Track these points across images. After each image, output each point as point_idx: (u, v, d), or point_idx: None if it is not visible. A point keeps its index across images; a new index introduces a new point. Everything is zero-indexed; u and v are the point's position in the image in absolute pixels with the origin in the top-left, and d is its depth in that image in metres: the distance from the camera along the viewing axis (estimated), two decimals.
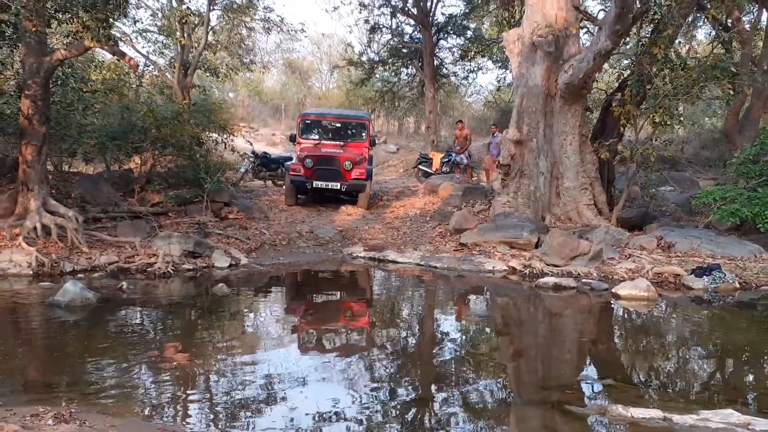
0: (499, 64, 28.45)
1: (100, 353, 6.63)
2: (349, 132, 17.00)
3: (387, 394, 5.85)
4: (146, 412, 5.16)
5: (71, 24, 10.86)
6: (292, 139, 17.08)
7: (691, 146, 26.45)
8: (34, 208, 10.86)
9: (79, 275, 9.91)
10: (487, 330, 8.83)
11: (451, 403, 5.74)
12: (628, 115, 14.27)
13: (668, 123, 14.17)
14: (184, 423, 5.00)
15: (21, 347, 6.94)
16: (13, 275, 9.73)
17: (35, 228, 10.71)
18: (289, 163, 16.68)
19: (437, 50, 27.93)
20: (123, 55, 12.05)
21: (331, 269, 11.91)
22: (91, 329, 7.52)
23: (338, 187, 15.57)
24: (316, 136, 16.81)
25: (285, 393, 5.64)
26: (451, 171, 22.55)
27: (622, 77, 15.53)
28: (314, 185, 15.47)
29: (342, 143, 16.55)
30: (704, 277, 10.80)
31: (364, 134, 16.91)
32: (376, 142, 19.30)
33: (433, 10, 26.69)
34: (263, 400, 5.49)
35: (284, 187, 16.84)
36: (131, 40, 20.34)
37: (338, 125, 17.09)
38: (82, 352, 6.72)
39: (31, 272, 9.81)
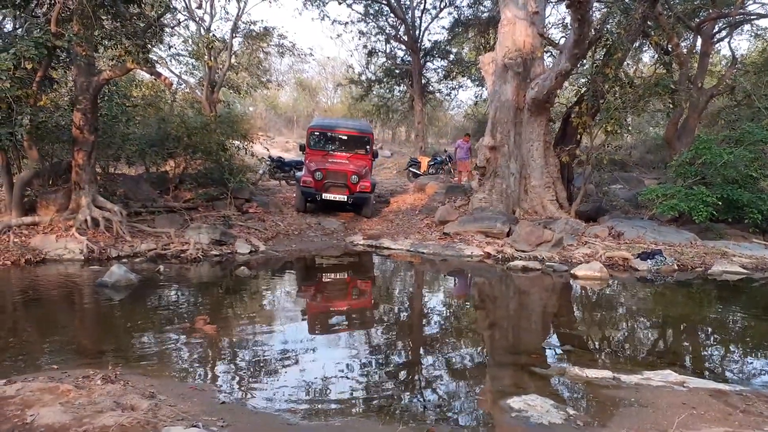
0: (477, 83, 28.43)
1: (140, 325, 6.63)
2: (354, 144, 15.91)
3: (383, 358, 5.87)
4: (180, 374, 5.17)
5: (115, 49, 10.82)
6: (302, 148, 16.05)
7: (637, 151, 26.59)
8: (85, 204, 10.85)
9: (123, 260, 9.89)
10: (467, 305, 8.85)
11: (437, 366, 5.75)
12: (585, 125, 14.34)
13: (618, 131, 14.21)
14: (212, 383, 5.01)
15: (74, 320, 6.95)
16: (67, 260, 9.73)
17: (86, 220, 10.71)
18: (299, 174, 15.54)
19: (424, 71, 27.94)
20: (159, 75, 12.00)
21: (335, 255, 11.88)
22: (133, 305, 7.50)
23: (345, 199, 14.56)
24: (324, 147, 15.78)
25: (297, 358, 5.65)
26: (437, 172, 22.58)
27: (579, 93, 15.52)
28: (323, 197, 14.48)
29: (347, 154, 15.56)
30: (648, 260, 10.85)
31: (368, 147, 15.93)
32: (378, 154, 18.36)
33: (421, 37, 26.74)
34: (278, 363, 5.50)
35: (295, 195, 15.87)
36: (166, 62, 20.39)
37: (344, 137, 15.95)
38: (125, 324, 6.71)
39: (83, 257, 9.81)
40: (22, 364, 5.08)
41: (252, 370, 5.34)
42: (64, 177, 11.76)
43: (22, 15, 10.61)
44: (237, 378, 5.15)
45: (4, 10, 11.11)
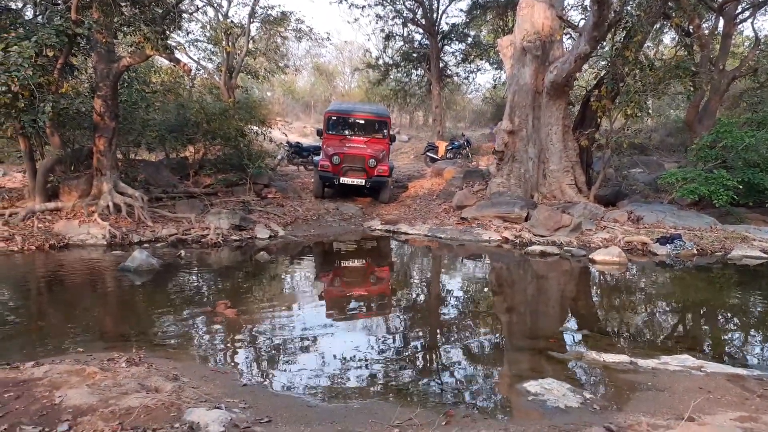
0: (495, 66, 28.26)
1: (163, 309, 6.74)
2: (371, 128, 15.86)
3: (401, 342, 5.93)
4: (202, 357, 5.27)
5: (135, 36, 10.91)
6: (319, 133, 15.97)
7: (657, 134, 26.30)
8: (106, 190, 11.01)
9: (145, 245, 10.04)
10: (484, 289, 8.86)
11: (455, 349, 5.80)
12: (604, 108, 14.24)
13: (638, 115, 14.09)
14: (233, 365, 5.10)
15: (98, 304, 7.07)
16: (90, 245, 9.89)
17: (108, 206, 10.87)
18: (317, 158, 15.65)
19: (442, 54, 27.71)
20: (178, 61, 12.06)
21: (353, 239, 11.95)
22: (155, 289, 7.63)
23: (363, 183, 14.63)
24: (341, 131, 15.72)
25: (316, 341, 5.73)
26: (455, 157, 22.53)
27: (599, 76, 15.38)
28: (341, 181, 14.51)
29: (365, 138, 15.53)
30: (667, 245, 10.80)
31: (385, 131, 15.84)
32: (396, 138, 18.23)
33: (438, 20, 26.52)
34: (298, 346, 5.58)
35: (313, 180, 15.86)
36: (185, 48, 20.49)
37: (362, 121, 15.94)
38: (148, 308, 6.84)
39: (105, 243, 9.97)
40: (49, 347, 5.21)
41: (272, 353, 5.43)
42: (86, 163, 11.91)
43: (42, 2, 10.73)
44: (258, 361, 5.25)
45: None
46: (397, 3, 26.57)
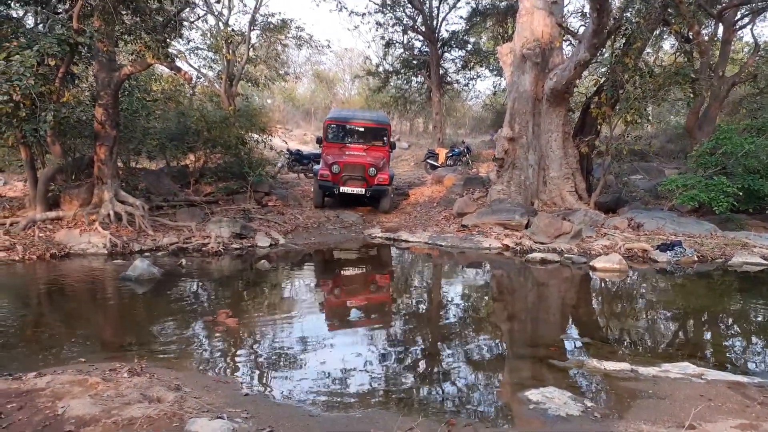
0: (495, 73, 28.35)
1: (164, 318, 6.75)
2: (372, 136, 15.73)
3: (402, 351, 5.93)
4: (203, 366, 5.28)
5: (135, 44, 10.97)
6: (319, 141, 15.84)
7: (658, 141, 26.30)
8: (107, 198, 11.04)
9: (146, 254, 10.05)
10: (485, 297, 8.87)
11: (456, 358, 5.81)
12: (604, 115, 14.27)
13: (638, 121, 14.12)
14: (234, 374, 5.11)
15: (99, 314, 7.08)
16: (91, 254, 9.90)
17: (109, 215, 10.89)
18: (317, 167, 15.44)
19: (442, 61, 27.81)
20: (179, 69, 12.11)
21: (354, 247, 11.95)
22: (156, 298, 7.64)
23: (363, 192, 14.45)
24: (341, 139, 15.65)
25: (317, 350, 5.74)
26: (455, 164, 22.56)
27: (599, 83, 15.41)
28: (341, 190, 14.34)
29: (365, 146, 15.41)
30: (668, 251, 10.82)
31: (385, 139, 15.74)
32: (396, 146, 18.14)
33: (438, 27, 26.62)
34: (299, 355, 5.59)
35: (313, 189, 15.63)
36: (185, 56, 20.52)
37: (361, 129, 15.80)
38: (149, 317, 6.85)
39: (106, 251, 9.98)
40: (51, 357, 5.22)
41: (274, 362, 5.44)
42: (87, 172, 11.95)
43: (44, 11, 10.79)
44: (259, 370, 5.26)
45: (26, 6, 11.30)
46: (397, 10, 26.70)
